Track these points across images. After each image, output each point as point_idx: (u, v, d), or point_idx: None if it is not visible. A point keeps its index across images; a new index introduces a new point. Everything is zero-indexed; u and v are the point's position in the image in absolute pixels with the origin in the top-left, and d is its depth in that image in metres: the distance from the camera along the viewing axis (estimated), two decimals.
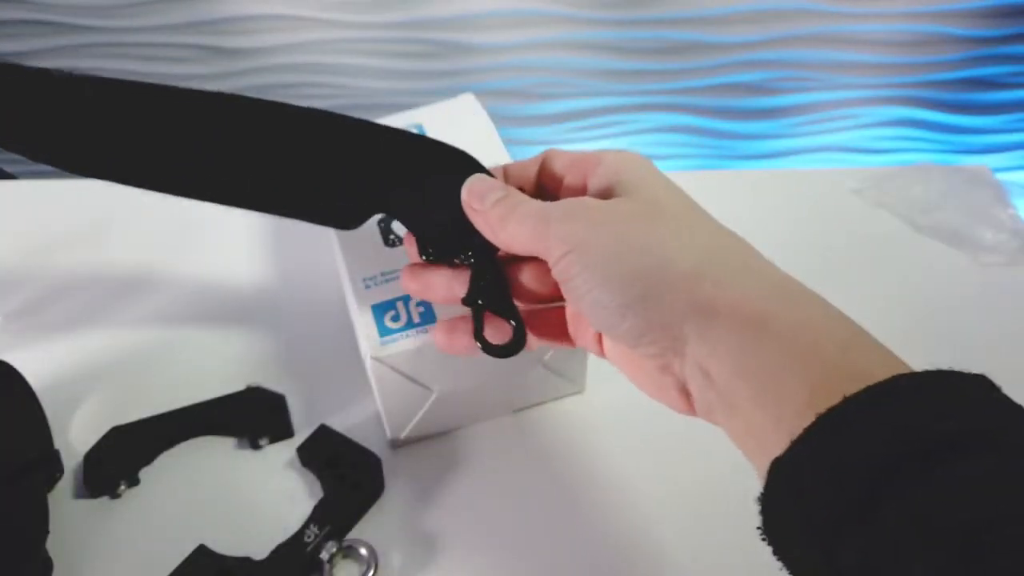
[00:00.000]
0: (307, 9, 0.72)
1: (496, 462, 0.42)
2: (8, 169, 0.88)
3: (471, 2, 0.71)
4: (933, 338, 0.46)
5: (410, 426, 0.41)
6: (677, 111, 0.80)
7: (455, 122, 0.49)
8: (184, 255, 0.52)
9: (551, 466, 0.41)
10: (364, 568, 0.37)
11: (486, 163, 0.46)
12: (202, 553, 0.37)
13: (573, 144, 0.83)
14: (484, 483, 0.41)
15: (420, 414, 0.41)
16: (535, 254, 0.30)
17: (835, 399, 0.22)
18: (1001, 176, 0.59)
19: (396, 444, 0.42)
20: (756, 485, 0.40)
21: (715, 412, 0.26)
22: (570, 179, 0.32)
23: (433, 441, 0.43)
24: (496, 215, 0.31)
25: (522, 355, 0.40)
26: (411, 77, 0.76)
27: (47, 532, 0.38)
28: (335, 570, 0.37)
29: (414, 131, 0.48)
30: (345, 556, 0.38)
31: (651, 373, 0.28)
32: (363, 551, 0.37)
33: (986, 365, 0.46)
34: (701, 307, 0.26)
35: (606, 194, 0.30)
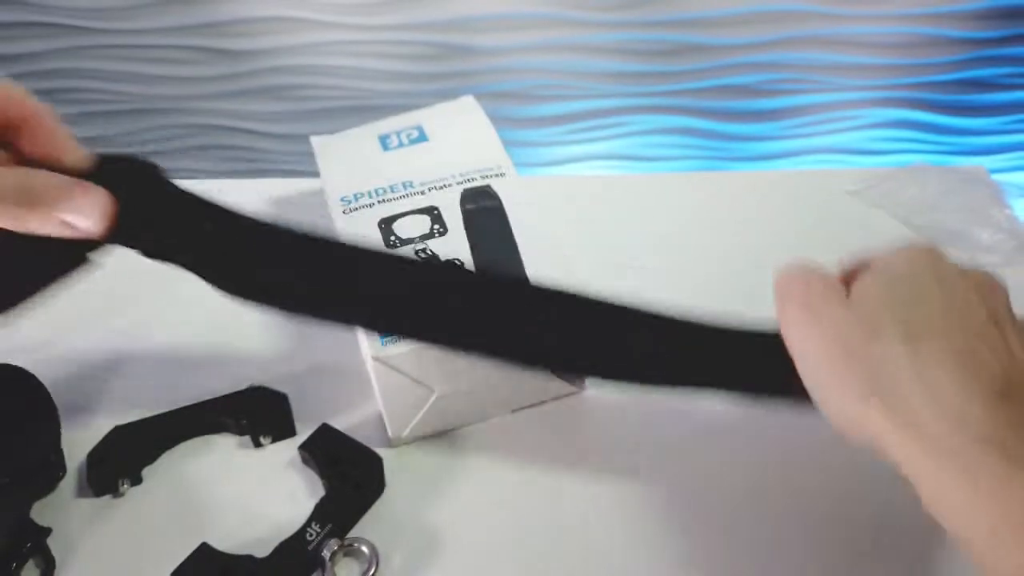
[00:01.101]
0: (309, 12, 0.72)
1: (496, 461, 0.42)
2: None
3: (472, 5, 0.71)
4: None
5: (411, 426, 0.41)
6: (676, 113, 0.81)
7: (456, 124, 0.49)
8: None
9: (551, 465, 0.42)
10: (365, 566, 0.37)
11: (487, 163, 0.46)
12: (204, 551, 0.37)
13: (573, 146, 0.83)
14: (485, 482, 0.41)
15: (421, 414, 0.41)
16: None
17: None
18: (997, 177, 0.59)
19: (397, 444, 0.42)
20: (755, 485, 0.40)
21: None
22: None
23: (433, 440, 0.43)
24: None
25: None
26: (413, 79, 0.76)
27: (27, 544, 0.38)
28: (336, 568, 0.37)
29: (415, 130, 0.48)
30: (346, 554, 0.38)
31: None
32: (364, 549, 0.38)
33: None
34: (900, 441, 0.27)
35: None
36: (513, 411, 0.44)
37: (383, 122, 0.49)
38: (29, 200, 0.28)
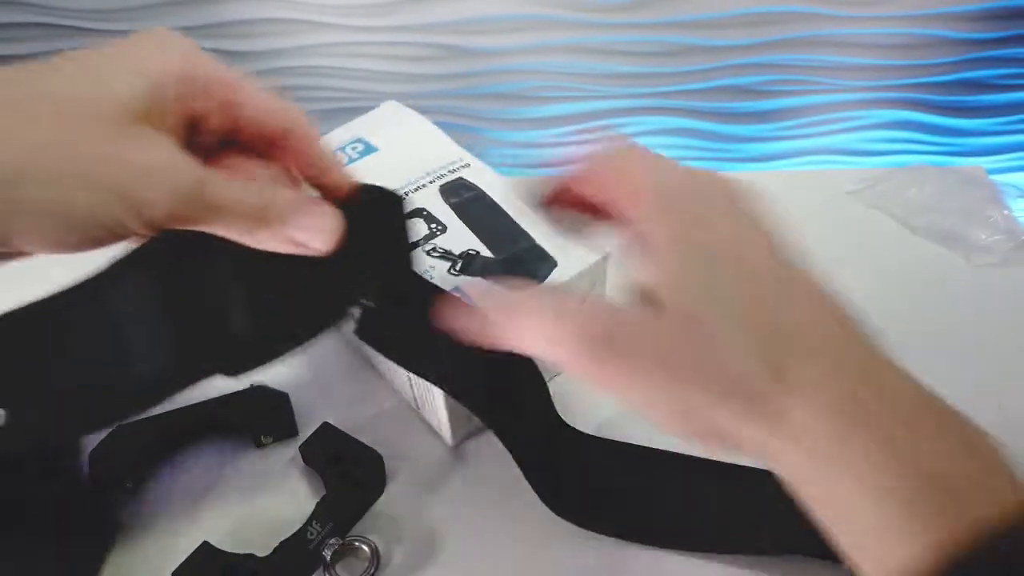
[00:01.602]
0: (310, 14, 0.73)
1: (496, 460, 0.42)
2: None
3: (473, 7, 0.72)
4: (927, 338, 0.47)
5: (469, 423, 0.42)
6: (676, 114, 0.81)
7: (397, 129, 0.49)
8: None
9: None
10: (366, 565, 0.38)
11: (449, 158, 0.46)
12: (206, 550, 0.37)
13: (572, 147, 0.83)
14: (486, 479, 0.41)
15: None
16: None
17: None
18: (995, 178, 0.59)
19: (457, 446, 0.43)
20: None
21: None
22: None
23: (434, 438, 0.43)
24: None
25: None
26: (415, 80, 0.76)
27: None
28: (337, 567, 0.37)
29: (359, 143, 0.48)
30: (347, 553, 0.38)
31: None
32: (365, 548, 0.38)
33: (980, 365, 0.47)
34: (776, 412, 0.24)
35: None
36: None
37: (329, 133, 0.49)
38: (264, 216, 0.28)
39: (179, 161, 0.26)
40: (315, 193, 0.32)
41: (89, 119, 0.25)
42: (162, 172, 0.26)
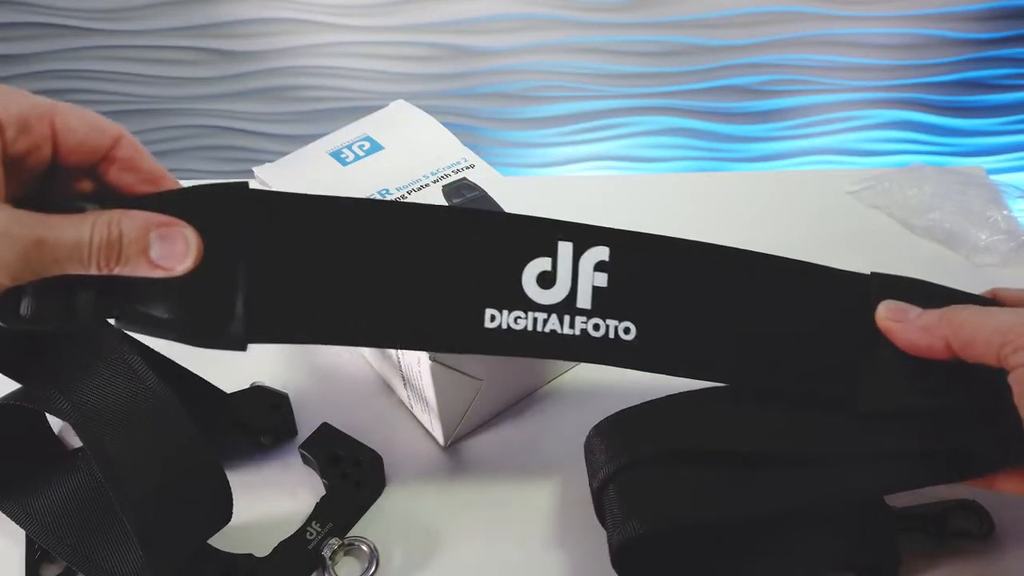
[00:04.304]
0: (309, 13, 0.73)
1: (498, 457, 0.42)
2: None
3: (472, 6, 0.72)
4: None
5: (461, 423, 0.42)
6: (676, 114, 0.81)
7: (403, 127, 0.49)
8: None
9: (551, 461, 0.42)
10: (365, 565, 0.38)
11: (454, 158, 0.47)
12: (205, 550, 0.37)
13: (573, 147, 0.83)
14: (486, 479, 0.41)
15: (470, 408, 0.41)
16: (981, 355, 0.28)
17: None
18: (996, 178, 0.59)
19: (448, 445, 0.43)
20: None
21: None
22: None
23: (433, 438, 0.43)
24: (934, 315, 0.31)
25: None
26: (415, 80, 0.76)
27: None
28: (337, 567, 0.37)
29: (365, 141, 0.48)
30: (347, 553, 0.38)
31: None
32: (365, 548, 0.38)
33: None
34: None
35: None
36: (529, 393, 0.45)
37: (326, 140, 0.49)
38: (115, 255, 0.28)
39: (8, 223, 0.26)
40: None
41: None
42: None
